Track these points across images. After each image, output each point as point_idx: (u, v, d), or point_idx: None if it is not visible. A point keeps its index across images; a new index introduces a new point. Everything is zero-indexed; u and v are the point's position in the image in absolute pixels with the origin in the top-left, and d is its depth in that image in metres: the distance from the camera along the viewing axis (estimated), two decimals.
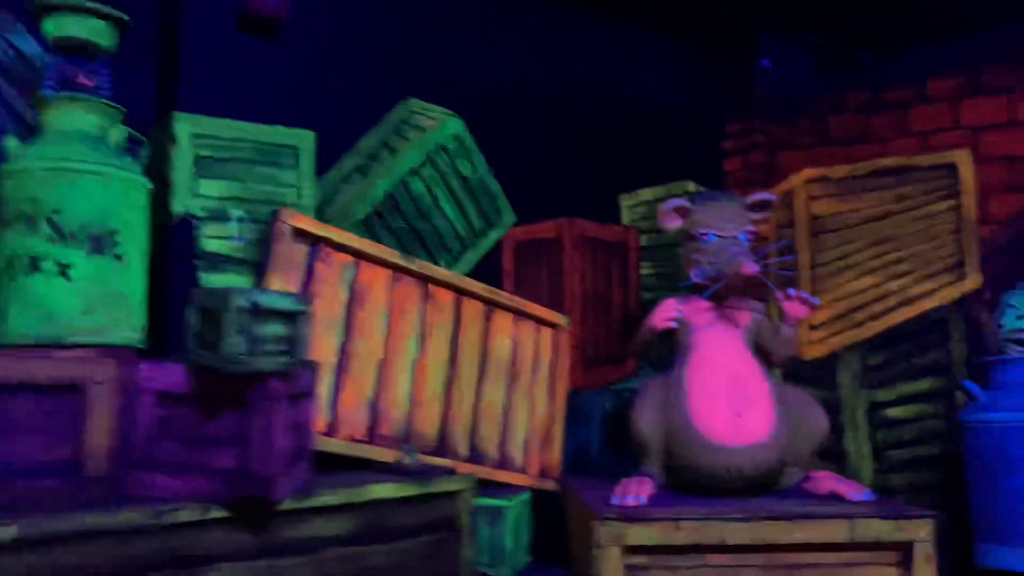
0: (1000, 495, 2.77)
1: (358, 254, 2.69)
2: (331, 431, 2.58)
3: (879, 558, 2.32)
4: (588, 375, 3.49)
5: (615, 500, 2.46)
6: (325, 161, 3.03)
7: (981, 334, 3.22)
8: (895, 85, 3.54)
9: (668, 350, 2.83)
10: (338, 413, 2.60)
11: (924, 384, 3.32)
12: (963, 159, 3.28)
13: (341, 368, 2.62)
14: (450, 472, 2.59)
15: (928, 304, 3.31)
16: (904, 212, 3.39)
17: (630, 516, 2.29)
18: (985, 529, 2.83)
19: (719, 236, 2.70)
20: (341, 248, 2.64)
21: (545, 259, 3.54)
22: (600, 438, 3.33)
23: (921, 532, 2.26)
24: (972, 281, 3.26)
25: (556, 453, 3.25)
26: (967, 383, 2.97)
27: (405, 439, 2.73)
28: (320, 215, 2.96)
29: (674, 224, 2.84)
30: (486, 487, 2.90)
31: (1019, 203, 3.25)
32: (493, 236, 3.53)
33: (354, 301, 2.67)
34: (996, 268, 3.25)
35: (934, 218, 3.34)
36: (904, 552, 2.28)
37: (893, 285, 3.38)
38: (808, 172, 3.53)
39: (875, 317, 3.38)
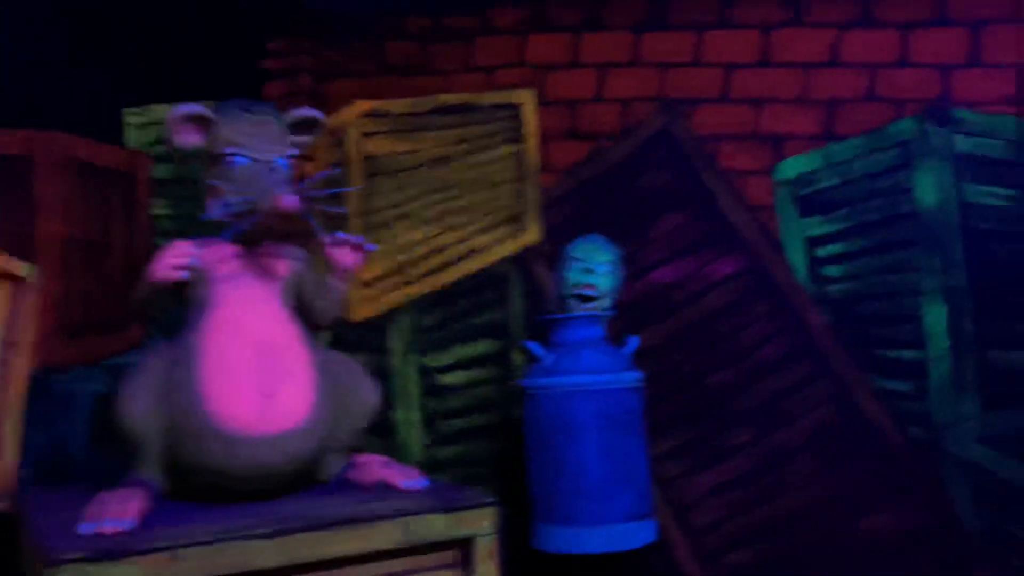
0: (561, 469, 2.57)
1: None
2: None
3: (437, 560, 1.98)
4: (72, 347, 2.65)
5: (85, 527, 1.76)
6: None
7: (541, 291, 3.05)
8: (458, 11, 3.19)
9: (181, 310, 2.14)
10: None
11: (480, 347, 3.09)
12: (527, 100, 3.08)
13: None
14: None
15: (486, 259, 3.08)
16: (465, 156, 3.13)
17: (104, 550, 1.61)
18: (544, 508, 2.62)
19: (251, 159, 2.09)
20: None
21: (6, 184, 2.60)
22: (88, 433, 2.58)
23: (483, 523, 1.98)
24: (532, 233, 3.08)
25: (9, 458, 2.36)
26: (529, 344, 2.74)
27: None
28: None
29: (190, 140, 2.15)
30: None
31: (580, 150, 3.16)
32: None
33: None
34: (556, 220, 3.10)
35: (495, 164, 3.11)
36: (464, 548, 1.98)
37: (450, 237, 3.10)
38: (362, 105, 3.10)
39: (431, 273, 3.09)
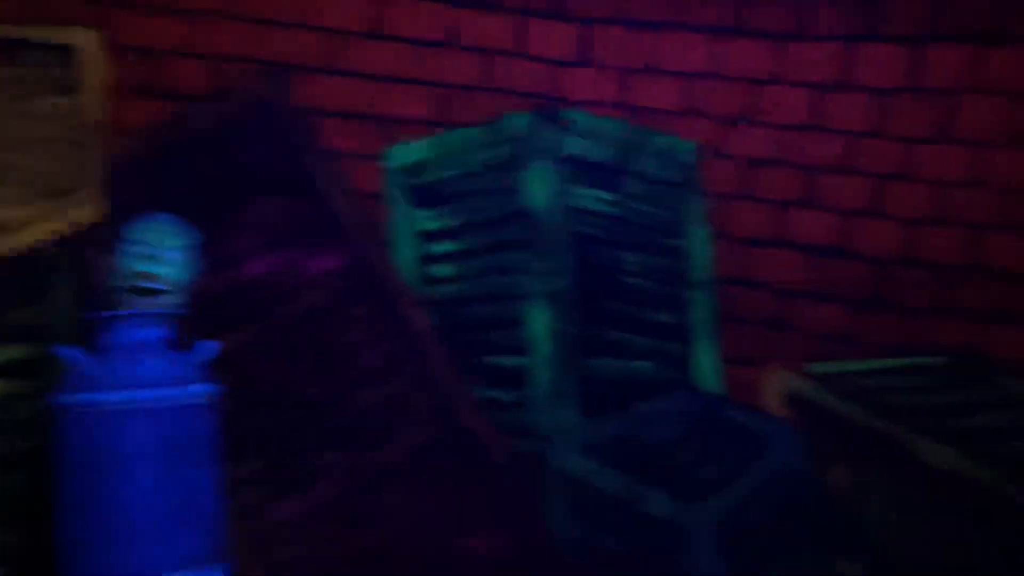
0: (105, 508, 2.07)
1: None
2: None
3: None
4: None
5: None
6: None
7: (97, 283, 2.49)
8: None
9: None
10: None
11: (13, 352, 2.49)
12: (88, 42, 2.51)
13: None
14: None
15: (22, 239, 2.49)
16: (4, 104, 2.48)
17: None
18: (78, 560, 2.09)
19: None
20: None
21: None
22: None
23: None
24: (88, 210, 2.53)
25: None
26: (63, 349, 2.20)
27: None
28: None
29: None
30: None
31: (159, 112, 2.64)
32: None
33: None
34: (122, 195, 2.57)
35: (39, 119, 2.51)
36: None
37: None
38: None
39: None
